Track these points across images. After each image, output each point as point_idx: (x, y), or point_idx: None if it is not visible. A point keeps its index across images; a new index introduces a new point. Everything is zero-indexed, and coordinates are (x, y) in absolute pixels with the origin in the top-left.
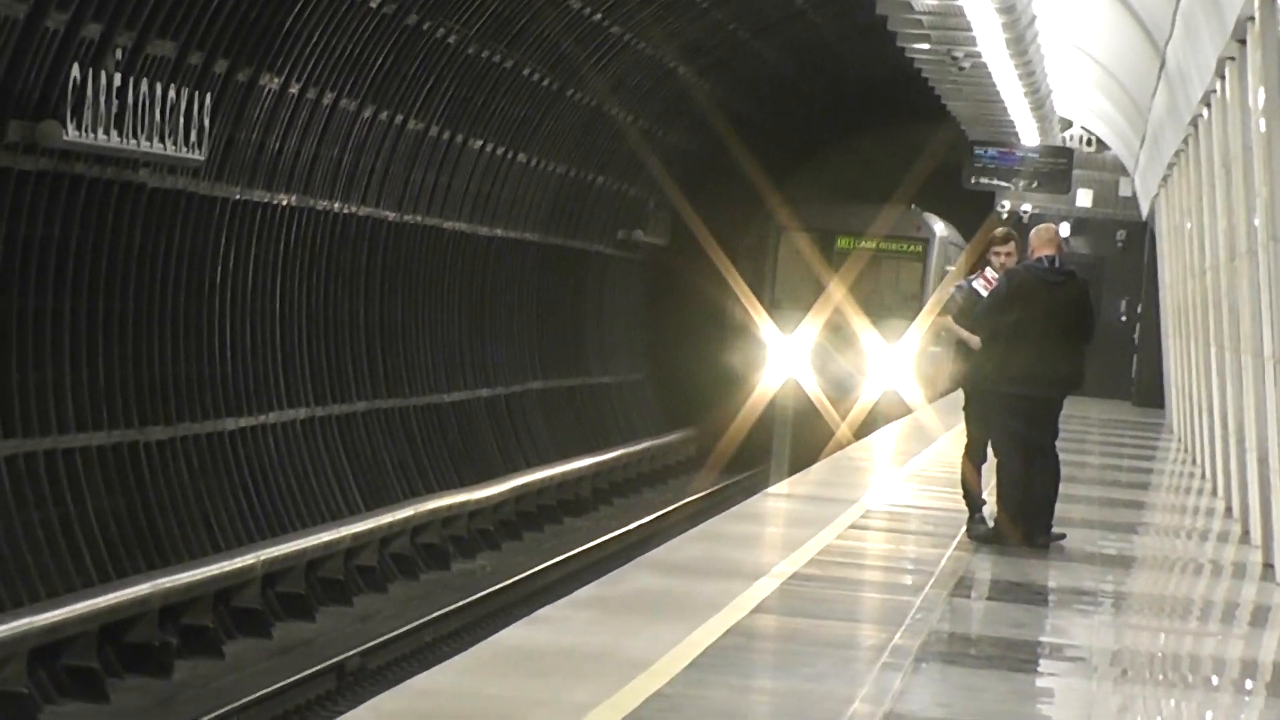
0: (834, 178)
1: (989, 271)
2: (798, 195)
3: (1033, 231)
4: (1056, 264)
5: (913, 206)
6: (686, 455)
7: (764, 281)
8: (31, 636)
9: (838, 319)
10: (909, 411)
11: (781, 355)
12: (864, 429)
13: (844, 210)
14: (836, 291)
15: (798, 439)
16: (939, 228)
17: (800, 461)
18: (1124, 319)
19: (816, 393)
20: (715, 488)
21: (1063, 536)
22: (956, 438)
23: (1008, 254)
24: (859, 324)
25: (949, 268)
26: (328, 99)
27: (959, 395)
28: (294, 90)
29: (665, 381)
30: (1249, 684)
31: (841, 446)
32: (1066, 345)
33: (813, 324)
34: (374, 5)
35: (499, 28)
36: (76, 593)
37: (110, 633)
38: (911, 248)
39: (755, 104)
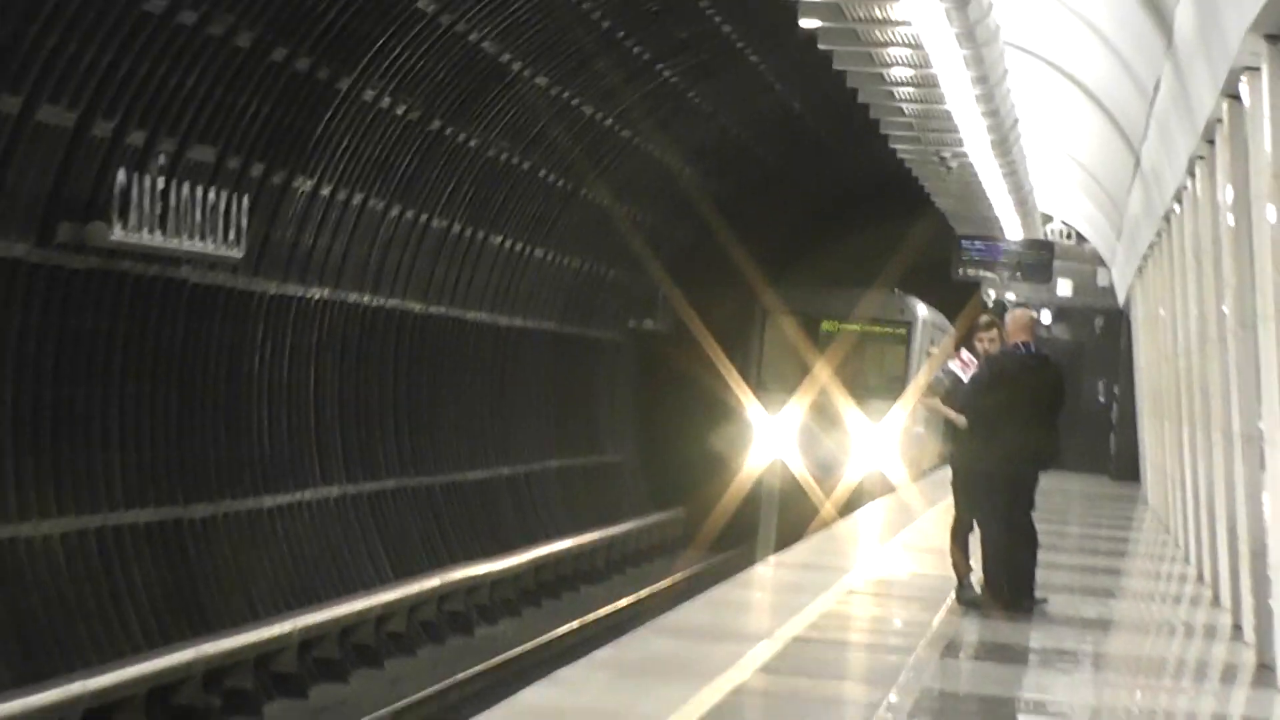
0: (824, 267)
1: (964, 354)
2: (785, 281)
3: (1008, 317)
4: (1032, 349)
5: (896, 291)
6: (674, 534)
7: (751, 363)
8: (84, 700)
9: (823, 400)
10: (892, 490)
11: (768, 435)
12: (848, 507)
13: (829, 294)
14: (822, 373)
15: (783, 517)
16: (922, 310)
17: (786, 539)
18: (1102, 400)
19: (802, 472)
20: (701, 566)
21: (1045, 601)
22: (940, 513)
23: (990, 339)
24: (844, 404)
25: (932, 349)
26: (357, 199)
27: (945, 473)
28: (325, 191)
29: (656, 461)
30: None
31: (826, 525)
32: (1044, 425)
33: (798, 405)
34: (399, 112)
35: (516, 132)
36: (126, 659)
37: (158, 696)
38: (895, 330)
39: (750, 199)
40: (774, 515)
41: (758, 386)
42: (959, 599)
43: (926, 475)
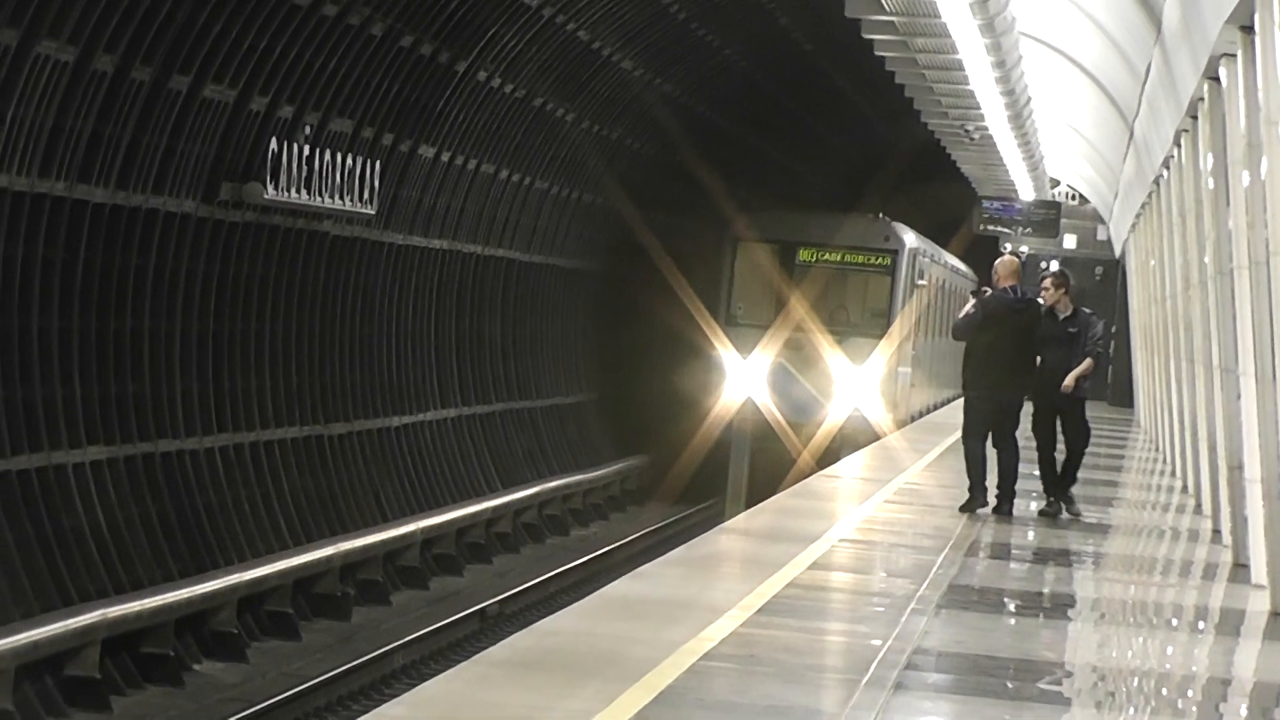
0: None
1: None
2: (758, 205)
3: (998, 264)
4: (1019, 293)
5: (880, 215)
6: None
7: (720, 297)
8: (240, 588)
9: (799, 337)
10: (876, 438)
11: (738, 376)
12: (827, 457)
13: (805, 219)
14: (798, 307)
15: (755, 467)
16: (909, 238)
17: (759, 492)
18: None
19: (776, 417)
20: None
21: (1063, 511)
22: (932, 465)
23: (1046, 289)
24: (822, 342)
25: (920, 281)
26: (471, 164)
27: (936, 417)
28: (445, 157)
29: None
30: (1201, 625)
31: (803, 476)
32: (1026, 358)
33: (772, 342)
34: (508, 91)
35: (605, 108)
36: (275, 554)
37: (301, 586)
38: (879, 260)
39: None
40: (744, 465)
41: (727, 322)
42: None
43: (916, 420)
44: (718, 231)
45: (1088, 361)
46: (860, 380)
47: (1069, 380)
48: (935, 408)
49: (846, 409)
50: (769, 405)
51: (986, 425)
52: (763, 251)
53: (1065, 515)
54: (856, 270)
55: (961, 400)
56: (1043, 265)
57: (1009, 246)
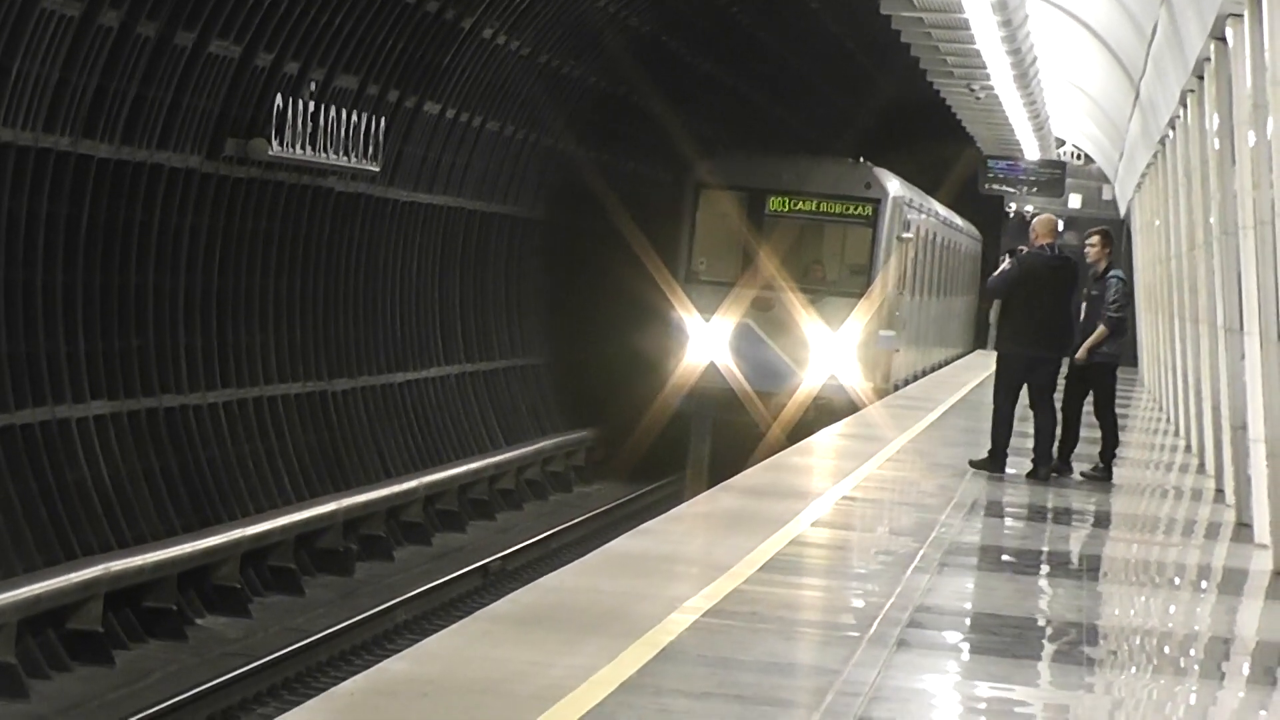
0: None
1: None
2: (723, 148)
3: (1035, 221)
4: (1056, 250)
5: (861, 159)
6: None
7: (679, 250)
8: (243, 544)
9: (769, 296)
10: (855, 409)
11: (700, 340)
12: (799, 431)
13: (776, 163)
14: (767, 263)
15: (719, 441)
16: (893, 185)
17: (723, 470)
18: None
19: (742, 386)
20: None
21: (1091, 475)
22: (917, 442)
23: (1093, 245)
24: (795, 303)
25: (905, 234)
26: (476, 121)
27: (920, 388)
28: (450, 114)
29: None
30: (1204, 584)
31: (772, 452)
32: (1062, 315)
33: (738, 302)
34: (513, 48)
35: (616, 64)
36: (278, 509)
37: (304, 541)
38: (859, 210)
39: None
40: (706, 440)
41: (687, 279)
42: (972, 464)
43: (900, 389)
44: (678, 177)
45: (1100, 330)
46: (837, 345)
47: (1080, 352)
48: (923, 374)
49: (821, 377)
50: (734, 372)
51: (1018, 385)
52: (728, 199)
53: (1115, 481)
54: (833, 221)
55: (993, 362)
56: (1032, 223)
57: (1013, 206)
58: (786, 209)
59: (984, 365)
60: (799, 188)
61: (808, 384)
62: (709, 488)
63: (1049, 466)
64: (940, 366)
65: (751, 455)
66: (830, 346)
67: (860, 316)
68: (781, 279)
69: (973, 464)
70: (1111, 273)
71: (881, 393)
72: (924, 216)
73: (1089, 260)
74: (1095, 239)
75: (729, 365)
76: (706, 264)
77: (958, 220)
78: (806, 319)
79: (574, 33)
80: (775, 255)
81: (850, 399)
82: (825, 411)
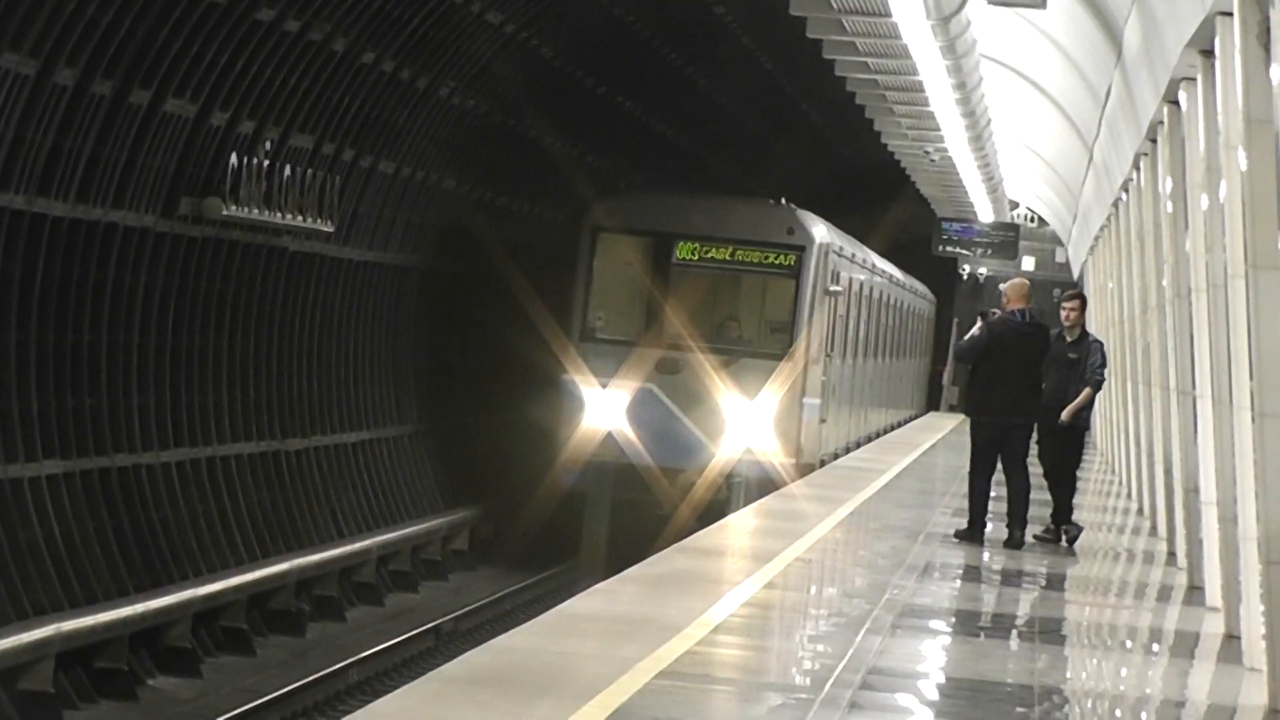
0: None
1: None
2: (624, 187)
3: (1008, 285)
4: (1028, 317)
5: (784, 201)
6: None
7: (574, 304)
8: (195, 603)
9: (676, 358)
10: (775, 487)
11: (596, 408)
12: (710, 513)
13: (685, 204)
14: (674, 319)
15: (617, 523)
16: (820, 231)
17: (623, 557)
18: None
19: (644, 461)
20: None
21: (1042, 538)
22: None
23: (1071, 309)
24: (706, 365)
25: (834, 287)
26: (432, 178)
27: (860, 457)
28: (405, 172)
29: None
30: (1156, 647)
31: (680, 536)
32: (1033, 385)
33: (640, 364)
34: (469, 107)
35: (582, 130)
36: (231, 569)
37: (257, 601)
38: (781, 259)
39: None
40: (603, 522)
41: (582, 337)
42: (956, 535)
43: (831, 463)
44: (574, 219)
45: (1086, 392)
46: (754, 413)
47: (1065, 415)
48: (857, 445)
49: (735, 450)
50: (635, 445)
51: (993, 455)
52: (630, 246)
53: (1064, 543)
54: (751, 272)
55: (946, 423)
56: (1000, 287)
57: (966, 268)
58: (696, 257)
59: (937, 427)
60: (711, 233)
61: (720, 459)
62: (605, 578)
63: (1024, 530)
64: (886, 431)
65: (655, 540)
66: (746, 416)
67: (781, 381)
68: (690, 338)
69: (956, 536)
70: (1092, 337)
71: (806, 468)
72: (859, 268)
73: (1066, 324)
74: (1074, 303)
75: (629, 437)
76: (604, 319)
77: (899, 275)
78: (719, 384)
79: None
80: (683, 310)
81: (769, 475)
82: (740, 491)
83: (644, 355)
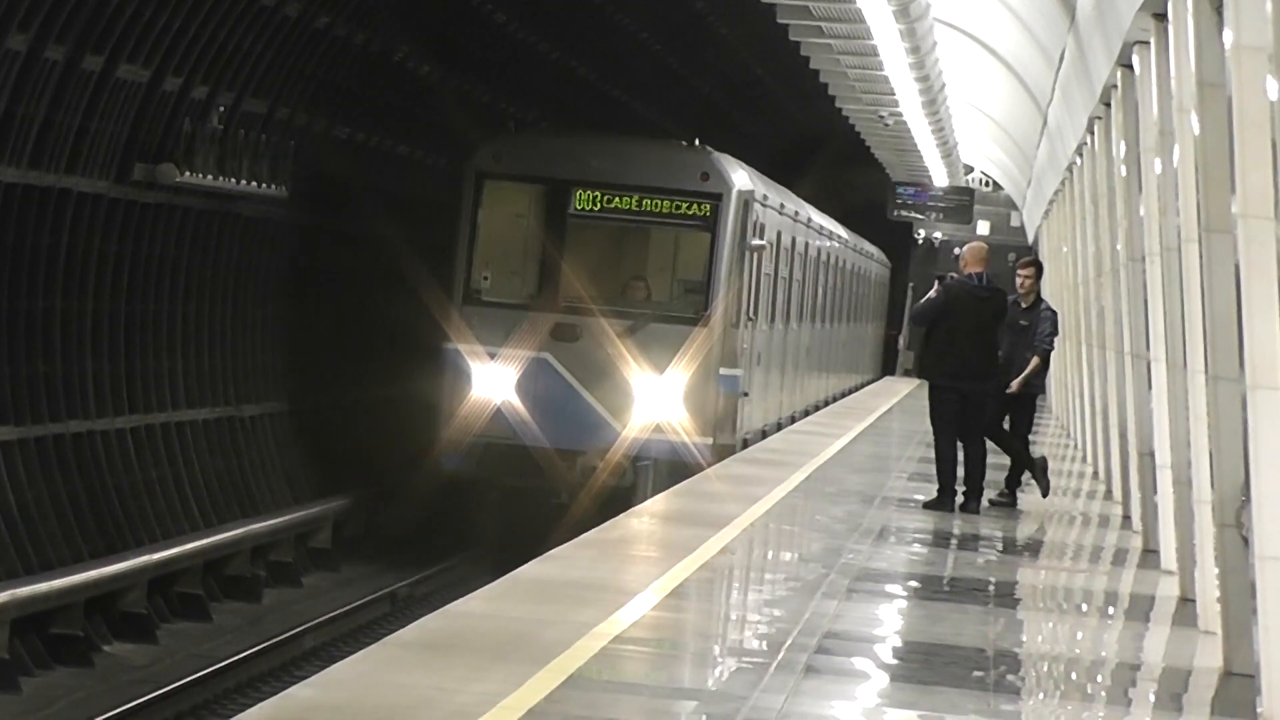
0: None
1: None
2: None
3: (965, 248)
4: (985, 280)
5: (697, 143)
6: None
7: (457, 261)
8: (150, 569)
9: (574, 324)
10: (690, 471)
11: (483, 381)
12: (616, 501)
13: (583, 146)
14: (572, 279)
15: (507, 513)
16: (740, 177)
17: (514, 551)
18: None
19: (536, 441)
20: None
21: (997, 501)
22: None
23: (1026, 275)
24: (609, 331)
25: (758, 241)
26: (388, 144)
27: (790, 436)
28: (360, 137)
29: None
30: (1111, 610)
31: (580, 530)
32: (990, 349)
33: (532, 330)
34: (423, 71)
35: (524, 91)
36: (186, 535)
37: (212, 567)
38: (694, 208)
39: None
40: (491, 511)
41: (466, 299)
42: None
43: (756, 443)
44: (455, 163)
45: (1035, 361)
46: (664, 387)
47: (1015, 384)
48: (791, 420)
49: (643, 429)
50: (527, 423)
51: (955, 419)
52: (520, 194)
53: (1021, 508)
54: (660, 224)
55: (902, 388)
56: (955, 252)
57: (922, 232)
58: (597, 207)
59: (893, 392)
60: (614, 179)
61: (625, 439)
62: (496, 577)
63: (980, 499)
64: (833, 400)
65: (553, 533)
66: (654, 389)
67: (695, 350)
68: (590, 300)
69: (925, 506)
70: (1044, 305)
71: (725, 450)
72: (791, 221)
73: (1021, 291)
74: (1029, 270)
75: (520, 413)
76: (491, 280)
77: (844, 233)
78: (623, 353)
79: None
80: (582, 269)
81: (681, 457)
82: (647, 475)
83: (537, 321)
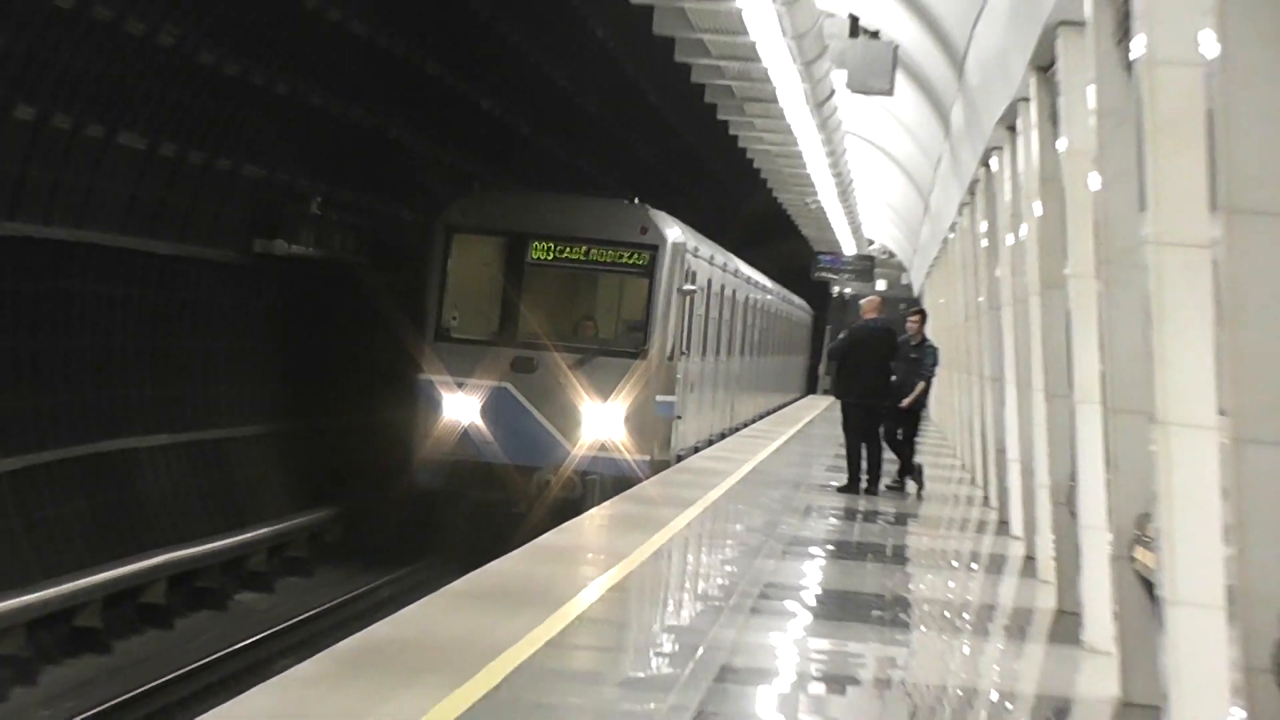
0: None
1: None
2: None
3: (864, 301)
4: (879, 324)
5: (636, 201)
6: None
7: (429, 303)
8: (106, 585)
9: (531, 357)
10: (631, 483)
11: (451, 407)
12: (565, 510)
13: (539, 204)
14: (530, 318)
15: (471, 522)
16: (673, 231)
17: (478, 556)
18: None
19: (497, 459)
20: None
21: (898, 487)
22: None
23: (914, 321)
24: (561, 364)
25: (689, 286)
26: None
27: (719, 451)
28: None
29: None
30: (974, 565)
31: (536, 534)
32: (882, 374)
33: (494, 363)
34: (406, 140)
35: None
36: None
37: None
38: (634, 258)
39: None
40: (456, 521)
41: (437, 336)
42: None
43: (688, 458)
44: (429, 218)
45: (921, 385)
46: (608, 411)
47: (906, 402)
48: (722, 436)
49: (590, 448)
50: (490, 443)
51: (859, 426)
52: (484, 245)
53: (908, 491)
54: (606, 271)
55: (821, 403)
56: (859, 303)
57: (836, 289)
58: (551, 256)
59: (815, 405)
60: (566, 232)
61: (575, 456)
62: (459, 576)
63: (879, 482)
64: (763, 416)
65: (511, 539)
66: (600, 414)
67: (635, 379)
68: (545, 336)
69: (839, 490)
70: (928, 342)
71: (661, 465)
72: (716, 269)
73: (910, 332)
74: (917, 316)
75: (483, 435)
76: (459, 319)
77: (768, 283)
78: (574, 382)
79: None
80: (539, 309)
81: (623, 472)
82: (595, 488)
83: (499, 354)
